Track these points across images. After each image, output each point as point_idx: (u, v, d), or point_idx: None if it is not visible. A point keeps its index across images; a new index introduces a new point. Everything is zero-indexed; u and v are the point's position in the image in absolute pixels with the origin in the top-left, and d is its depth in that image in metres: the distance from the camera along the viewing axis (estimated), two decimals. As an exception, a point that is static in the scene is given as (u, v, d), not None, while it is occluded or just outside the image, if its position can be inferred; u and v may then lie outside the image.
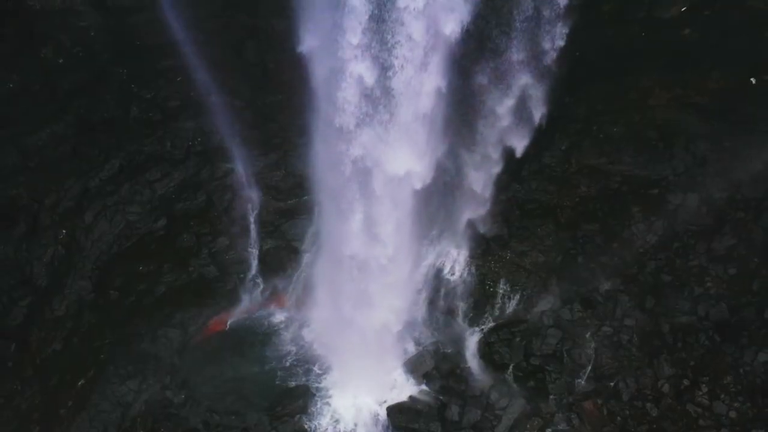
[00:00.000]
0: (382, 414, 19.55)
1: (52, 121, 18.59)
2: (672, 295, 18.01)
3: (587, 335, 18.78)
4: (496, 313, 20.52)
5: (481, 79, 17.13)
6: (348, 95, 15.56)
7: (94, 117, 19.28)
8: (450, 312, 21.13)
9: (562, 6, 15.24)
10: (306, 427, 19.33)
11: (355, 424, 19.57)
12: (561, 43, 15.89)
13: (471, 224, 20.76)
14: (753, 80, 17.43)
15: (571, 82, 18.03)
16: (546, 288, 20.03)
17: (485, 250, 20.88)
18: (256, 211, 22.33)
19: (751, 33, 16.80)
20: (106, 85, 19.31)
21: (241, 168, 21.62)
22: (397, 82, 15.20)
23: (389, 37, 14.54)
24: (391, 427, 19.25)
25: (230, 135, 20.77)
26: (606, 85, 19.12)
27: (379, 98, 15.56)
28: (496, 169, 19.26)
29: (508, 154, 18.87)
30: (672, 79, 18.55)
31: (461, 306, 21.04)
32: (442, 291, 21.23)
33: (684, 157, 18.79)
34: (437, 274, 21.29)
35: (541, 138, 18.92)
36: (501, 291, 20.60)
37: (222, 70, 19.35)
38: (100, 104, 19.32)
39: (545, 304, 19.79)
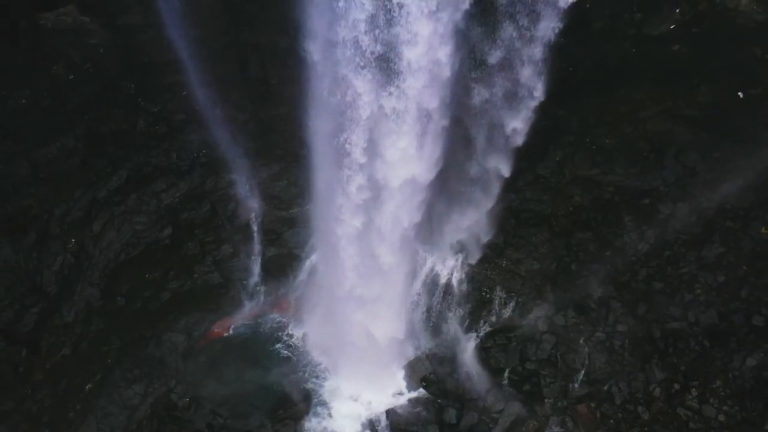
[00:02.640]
0: (382, 417, 19.79)
1: (62, 134, 19.05)
2: (663, 302, 18.13)
3: (581, 340, 18.94)
4: (492, 318, 20.70)
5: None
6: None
7: (102, 130, 19.73)
8: (447, 318, 21.35)
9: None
10: (307, 429, 19.57)
11: (355, 427, 19.80)
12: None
13: (468, 233, 21.08)
14: (741, 94, 17.71)
15: (564, 96, 18.40)
16: (541, 295, 20.21)
17: (481, 257, 21.12)
18: (258, 220, 22.62)
19: (739, 49, 17.16)
20: (114, 100, 19.76)
21: (244, 178, 21.94)
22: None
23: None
24: (390, 430, 19.45)
25: (234, 147, 21.10)
26: (598, 98, 19.39)
27: None
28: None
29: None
30: (663, 93, 18.81)
31: (458, 312, 21.25)
32: (440, 297, 21.46)
33: (674, 167, 18.95)
34: (435, 281, 21.49)
35: (535, 150, 19.27)
36: (497, 297, 20.81)
37: (226, 84, 19.79)
38: (109, 118, 19.79)
39: (540, 310, 19.98)
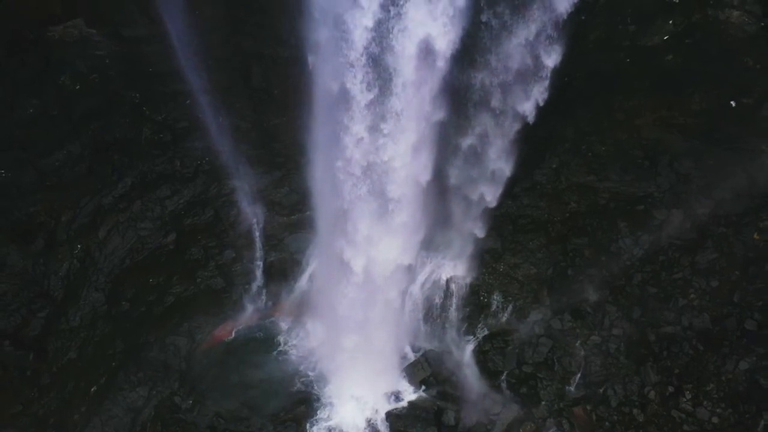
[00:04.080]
0: (382, 419, 20.13)
1: (68, 142, 19.26)
2: (657, 306, 18.40)
3: (577, 344, 19.28)
4: (490, 322, 21.03)
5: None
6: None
7: (108, 138, 19.95)
8: (446, 321, 21.70)
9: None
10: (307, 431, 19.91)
11: (355, 429, 20.12)
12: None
13: (467, 238, 21.42)
14: (733, 103, 17.97)
15: (560, 104, 18.65)
16: (537, 299, 20.53)
17: (480, 262, 21.44)
18: (260, 226, 22.87)
19: (730, 59, 17.44)
20: (119, 109, 20.00)
21: (246, 185, 22.16)
22: None
23: None
24: (389, 432, 19.84)
25: (236, 154, 21.33)
26: (594, 106, 19.67)
27: None
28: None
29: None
30: (657, 101, 19.06)
31: (457, 316, 21.59)
32: (439, 301, 21.81)
33: (668, 174, 19.22)
34: (434, 285, 21.84)
35: (532, 157, 19.65)
36: (495, 302, 21.14)
37: (229, 93, 20.06)
38: (114, 126, 20.01)
39: (537, 314, 20.31)
